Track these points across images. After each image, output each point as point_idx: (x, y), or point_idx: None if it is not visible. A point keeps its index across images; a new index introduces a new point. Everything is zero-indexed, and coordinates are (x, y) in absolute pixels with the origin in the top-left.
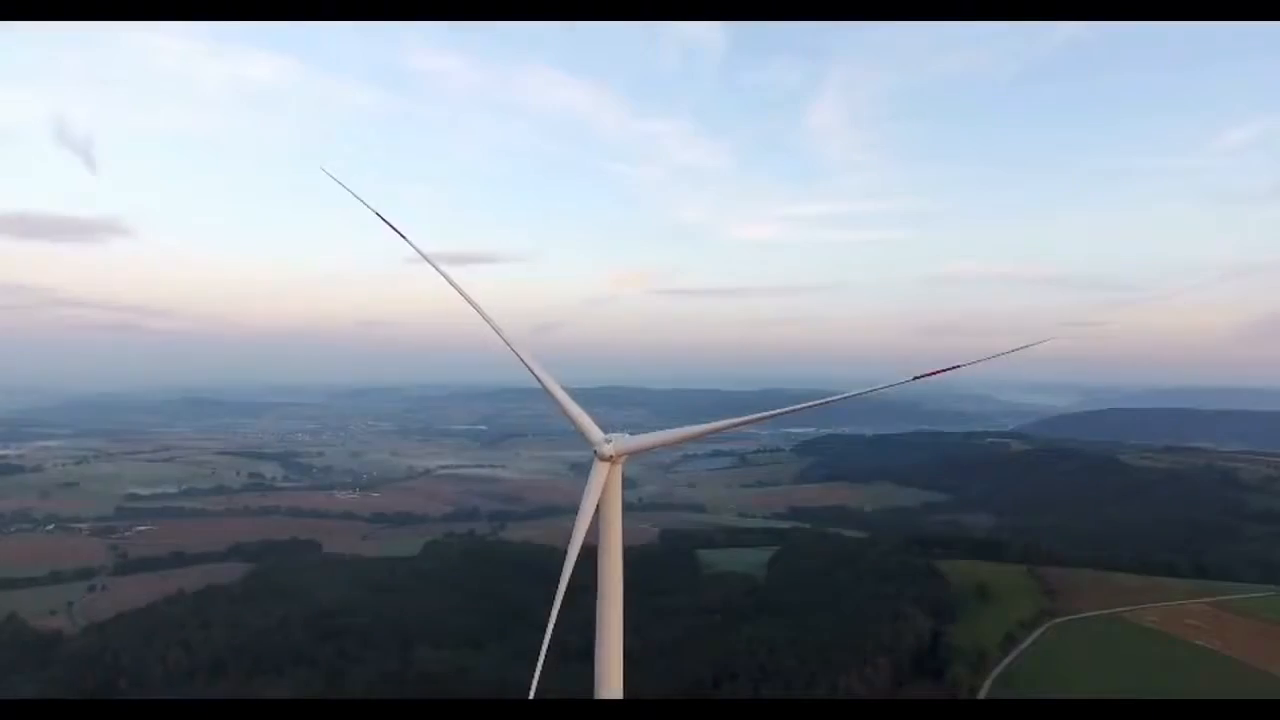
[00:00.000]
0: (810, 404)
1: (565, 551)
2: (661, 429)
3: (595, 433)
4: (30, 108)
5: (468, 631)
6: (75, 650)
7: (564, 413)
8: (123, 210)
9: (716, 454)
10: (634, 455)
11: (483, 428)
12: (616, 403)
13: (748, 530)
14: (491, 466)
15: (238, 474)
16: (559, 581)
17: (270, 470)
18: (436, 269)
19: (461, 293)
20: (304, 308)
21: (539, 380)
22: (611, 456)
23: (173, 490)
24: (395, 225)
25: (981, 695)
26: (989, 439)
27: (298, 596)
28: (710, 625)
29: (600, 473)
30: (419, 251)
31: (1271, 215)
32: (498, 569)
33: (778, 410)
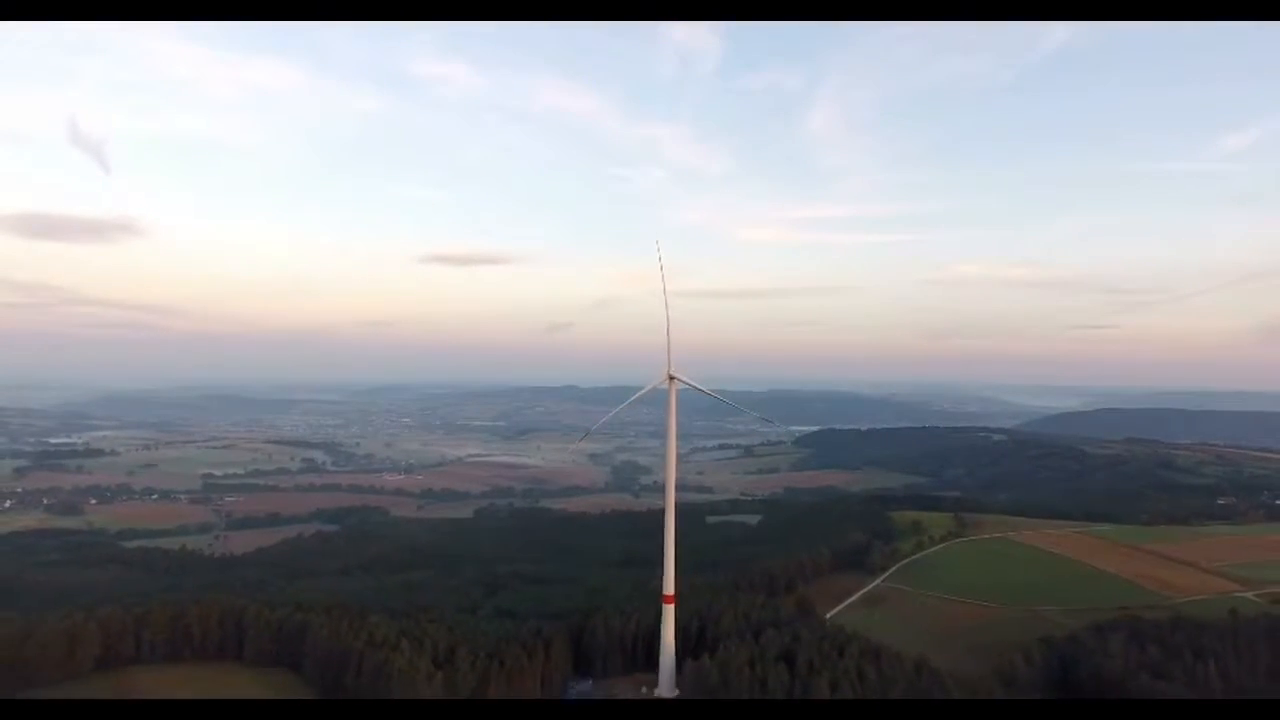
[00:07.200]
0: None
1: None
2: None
3: (670, 364)
4: (45, 111)
5: (531, 557)
6: (254, 561)
7: (667, 345)
8: (136, 211)
9: (724, 446)
10: (681, 383)
11: (501, 423)
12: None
13: (748, 502)
14: (517, 455)
15: (292, 459)
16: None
17: (319, 456)
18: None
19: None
20: (313, 308)
21: (668, 321)
22: (672, 377)
23: (240, 471)
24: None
25: (886, 574)
26: (973, 433)
27: (390, 539)
28: (712, 548)
29: (662, 382)
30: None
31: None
32: (542, 524)
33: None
